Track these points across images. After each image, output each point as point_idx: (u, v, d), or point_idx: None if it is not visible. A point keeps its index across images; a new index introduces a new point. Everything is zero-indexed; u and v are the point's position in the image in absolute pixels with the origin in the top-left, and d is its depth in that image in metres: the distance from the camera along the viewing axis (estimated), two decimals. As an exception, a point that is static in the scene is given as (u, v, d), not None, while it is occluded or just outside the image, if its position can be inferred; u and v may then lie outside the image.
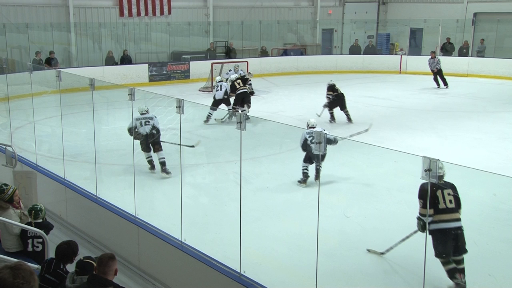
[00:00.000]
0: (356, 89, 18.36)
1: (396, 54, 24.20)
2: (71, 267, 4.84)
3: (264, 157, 10.12)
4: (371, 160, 8.74)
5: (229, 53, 22.08)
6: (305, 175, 8.59)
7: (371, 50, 23.80)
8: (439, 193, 5.31)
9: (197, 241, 6.00)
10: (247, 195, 6.94)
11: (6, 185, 6.05)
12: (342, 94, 13.27)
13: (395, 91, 18.30)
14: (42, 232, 5.72)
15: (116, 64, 19.56)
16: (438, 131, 12.50)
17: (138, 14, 20.87)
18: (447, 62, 21.87)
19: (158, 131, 9.11)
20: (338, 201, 7.27)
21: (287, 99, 17.08)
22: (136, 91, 6.75)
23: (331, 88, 13.26)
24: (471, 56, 22.19)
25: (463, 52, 22.35)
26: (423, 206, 5.28)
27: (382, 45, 25.76)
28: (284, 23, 24.79)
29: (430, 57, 19.09)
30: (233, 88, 13.43)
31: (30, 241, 5.76)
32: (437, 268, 5.53)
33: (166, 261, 6.05)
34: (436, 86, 18.65)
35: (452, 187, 5.41)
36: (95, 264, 4.45)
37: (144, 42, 21.36)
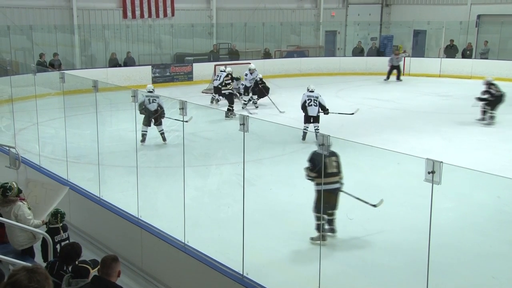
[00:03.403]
0: (360, 91, 18.35)
1: (399, 55, 24.15)
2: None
3: (267, 159, 10.12)
4: (374, 162, 8.73)
5: (233, 54, 22.05)
6: (305, 134, 11.20)
7: (374, 52, 23.79)
8: (326, 160, 6.35)
9: (200, 242, 6.00)
10: (250, 197, 6.94)
11: (6, 183, 6.03)
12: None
13: (398, 93, 18.26)
14: (46, 234, 5.72)
15: (120, 66, 19.59)
16: (442, 133, 12.47)
17: (142, 16, 20.90)
18: (450, 64, 21.85)
19: (162, 108, 10.90)
20: (341, 203, 7.25)
21: (290, 101, 17.00)
22: (139, 93, 6.77)
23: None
24: (475, 58, 22.13)
25: (467, 54, 22.30)
26: (311, 169, 6.41)
27: (385, 47, 25.71)
28: (287, 25, 24.78)
29: (394, 54, 21.10)
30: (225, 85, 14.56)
31: (58, 246, 5.74)
32: (440, 271, 5.51)
33: (169, 263, 6.05)
34: (386, 78, 20.54)
35: (336, 155, 6.62)
36: (90, 268, 4.44)
37: (148, 44, 21.39)
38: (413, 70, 21.99)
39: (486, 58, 21.89)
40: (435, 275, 5.33)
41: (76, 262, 4.63)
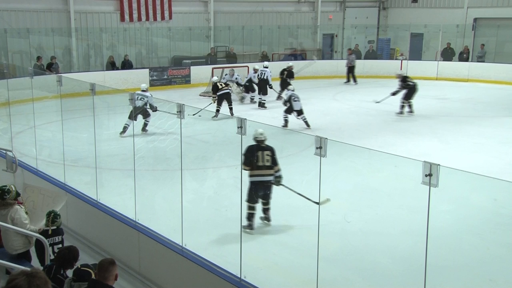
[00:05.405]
0: (357, 94, 18.37)
1: (396, 59, 24.20)
2: (71, 273, 4.83)
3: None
4: (371, 165, 8.74)
5: (230, 57, 22.03)
6: (286, 122, 12.77)
7: (371, 55, 23.83)
8: (259, 153, 6.79)
9: (198, 246, 6.00)
10: (248, 200, 6.95)
11: (5, 186, 6.02)
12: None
13: (395, 96, 18.24)
14: (41, 236, 5.70)
15: (117, 69, 19.58)
16: (439, 136, 12.49)
17: (139, 19, 20.91)
18: (447, 67, 21.91)
19: (147, 106, 11.75)
20: (339, 206, 7.26)
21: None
22: (136, 95, 6.77)
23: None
24: (472, 61, 22.20)
25: (463, 57, 22.36)
26: (244, 162, 6.51)
27: (382, 50, 25.74)
28: (285, 28, 24.82)
29: (347, 53, 21.81)
30: (215, 89, 14.31)
31: (50, 248, 5.71)
32: (438, 273, 5.52)
33: (166, 266, 6.04)
34: (346, 81, 20.98)
35: (271, 149, 6.89)
36: (92, 272, 4.44)
37: (145, 47, 21.39)
38: (410, 73, 21.87)
39: (483, 61, 21.97)
40: (433, 277, 5.34)
41: (79, 266, 4.62)
